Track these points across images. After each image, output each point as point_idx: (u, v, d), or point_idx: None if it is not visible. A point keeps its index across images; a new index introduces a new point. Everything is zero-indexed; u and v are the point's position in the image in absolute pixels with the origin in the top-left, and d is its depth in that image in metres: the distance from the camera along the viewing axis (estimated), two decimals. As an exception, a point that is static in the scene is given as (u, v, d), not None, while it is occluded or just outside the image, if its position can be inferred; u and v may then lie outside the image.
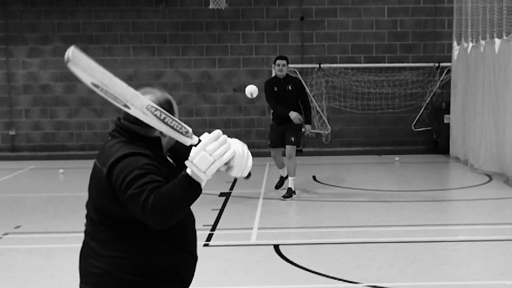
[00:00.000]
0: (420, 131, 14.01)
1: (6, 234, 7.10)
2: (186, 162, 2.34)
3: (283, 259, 5.96)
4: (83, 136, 14.10)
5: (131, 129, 2.55)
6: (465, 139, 11.88)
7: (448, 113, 13.11)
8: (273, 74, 9.91)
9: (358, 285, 5.23)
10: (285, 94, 8.75)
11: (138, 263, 2.52)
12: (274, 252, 6.18)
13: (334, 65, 13.78)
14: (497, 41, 10.17)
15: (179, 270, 2.60)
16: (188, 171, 2.35)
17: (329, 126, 13.94)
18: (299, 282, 5.38)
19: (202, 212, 7.66)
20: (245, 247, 6.47)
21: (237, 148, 2.41)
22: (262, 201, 8.69)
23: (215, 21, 13.83)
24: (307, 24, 13.86)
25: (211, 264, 5.81)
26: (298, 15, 13.83)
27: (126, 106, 2.31)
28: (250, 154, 2.47)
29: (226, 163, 2.38)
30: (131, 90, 2.33)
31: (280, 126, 8.78)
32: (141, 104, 2.32)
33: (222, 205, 8.43)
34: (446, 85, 13.65)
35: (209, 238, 6.74)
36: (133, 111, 2.32)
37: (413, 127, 14.02)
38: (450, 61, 13.15)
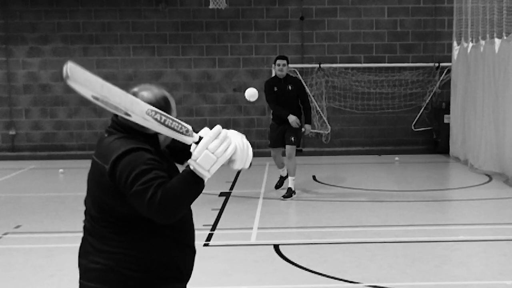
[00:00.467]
0: (420, 131, 14.01)
1: (6, 234, 7.10)
2: (190, 161, 2.37)
3: (283, 259, 5.96)
4: (83, 136, 14.10)
5: (129, 125, 2.55)
6: (465, 139, 11.88)
7: (448, 113, 13.11)
8: (273, 74, 9.91)
9: (358, 285, 5.23)
10: (285, 94, 8.75)
11: (140, 259, 2.52)
12: (274, 252, 6.17)
13: (334, 65, 13.78)
14: (497, 41, 10.17)
15: (180, 265, 2.62)
16: (192, 167, 2.38)
17: (329, 126, 13.94)
18: (299, 282, 5.38)
19: (202, 212, 7.66)
20: (245, 247, 6.47)
21: (237, 141, 2.45)
22: (262, 201, 8.68)
23: (215, 21, 13.83)
24: (307, 24, 13.86)
25: (211, 264, 5.81)
26: (298, 15, 13.83)
27: (127, 114, 2.34)
28: (249, 144, 2.52)
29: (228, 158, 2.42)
30: (129, 97, 2.35)
31: (280, 126, 8.78)
32: (141, 110, 2.33)
33: (222, 205, 8.43)
34: (446, 85, 13.65)
35: (209, 238, 6.74)
36: (134, 118, 2.35)
37: (413, 127, 14.02)
38: (450, 61, 13.15)
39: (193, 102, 13.98)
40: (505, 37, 9.88)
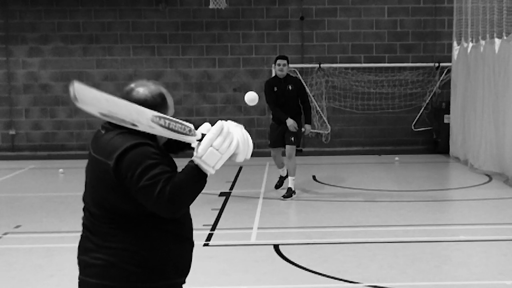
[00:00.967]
0: (420, 131, 14.01)
1: (6, 234, 7.10)
2: (194, 158, 2.42)
3: (283, 259, 5.96)
4: (83, 136, 14.10)
5: None
6: (465, 139, 11.88)
7: (448, 113, 13.11)
8: (273, 74, 9.91)
9: (358, 285, 5.23)
10: (285, 94, 8.75)
11: (142, 255, 2.53)
12: (274, 252, 6.17)
13: (334, 65, 13.78)
14: (497, 41, 10.16)
15: (180, 260, 2.63)
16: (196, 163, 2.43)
17: (329, 126, 13.94)
18: (299, 282, 5.38)
19: (202, 212, 7.67)
20: (244, 247, 6.47)
21: (238, 135, 2.49)
22: (262, 201, 8.68)
23: (215, 21, 13.83)
24: (307, 24, 13.86)
25: (210, 264, 5.81)
26: (298, 15, 13.83)
27: (133, 125, 2.38)
28: (249, 135, 2.56)
29: None
30: (134, 106, 2.39)
31: (280, 126, 8.78)
32: (146, 118, 2.38)
33: (222, 205, 8.43)
34: (446, 85, 13.65)
35: (209, 238, 6.74)
36: (141, 128, 2.39)
37: (413, 127, 14.02)
38: (450, 61, 13.15)
39: (193, 102, 13.98)
40: (505, 37, 9.88)
